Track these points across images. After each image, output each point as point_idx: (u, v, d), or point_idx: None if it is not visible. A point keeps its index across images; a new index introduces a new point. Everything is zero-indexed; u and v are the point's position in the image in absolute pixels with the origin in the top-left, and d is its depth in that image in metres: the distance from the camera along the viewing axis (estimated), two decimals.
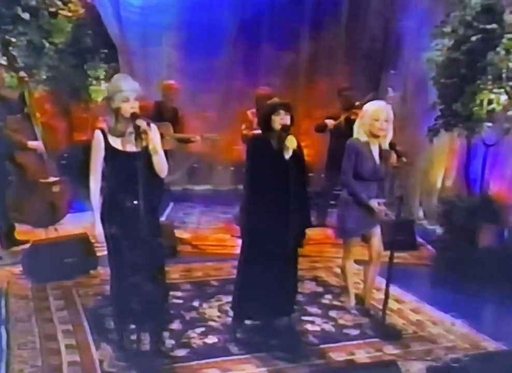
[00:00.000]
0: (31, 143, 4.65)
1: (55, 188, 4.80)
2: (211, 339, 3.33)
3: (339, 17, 7.04)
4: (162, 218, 5.67)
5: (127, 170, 2.79)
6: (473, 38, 4.56)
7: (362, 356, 3.17)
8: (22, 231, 4.89)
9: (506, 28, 4.44)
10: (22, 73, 4.74)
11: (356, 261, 3.89)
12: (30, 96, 4.80)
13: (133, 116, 2.84)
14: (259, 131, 3.42)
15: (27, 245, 4.40)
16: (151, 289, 2.90)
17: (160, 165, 2.96)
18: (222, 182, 7.23)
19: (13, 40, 5.43)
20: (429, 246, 5.33)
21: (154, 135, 2.93)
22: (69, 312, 3.64)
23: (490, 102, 4.49)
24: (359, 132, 3.56)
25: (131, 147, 2.87)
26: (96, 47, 6.54)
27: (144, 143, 2.83)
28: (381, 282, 3.65)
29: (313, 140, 6.65)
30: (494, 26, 4.47)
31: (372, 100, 3.86)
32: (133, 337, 2.95)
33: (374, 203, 3.51)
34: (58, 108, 6.60)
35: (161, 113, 5.35)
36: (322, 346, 3.28)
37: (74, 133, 6.90)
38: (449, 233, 4.89)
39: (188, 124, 6.57)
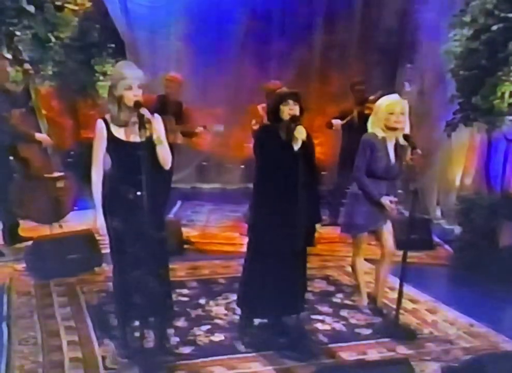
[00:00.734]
0: (39, 135, 4.70)
1: (60, 184, 4.84)
2: (218, 337, 3.33)
3: (353, 9, 7.01)
4: (170, 216, 5.71)
5: (130, 160, 2.78)
6: (494, 27, 4.50)
7: (374, 355, 3.15)
8: (26, 228, 4.95)
9: None
10: (27, 65, 4.80)
11: (368, 260, 3.86)
12: (36, 92, 4.86)
13: (137, 105, 2.83)
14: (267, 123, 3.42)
15: (30, 242, 4.45)
16: (153, 284, 2.91)
17: (165, 155, 2.95)
18: (232, 181, 7.22)
19: (18, 33, 5.48)
20: (446, 246, 5.28)
21: (158, 125, 2.94)
22: (72, 308, 3.68)
23: None
24: (374, 129, 3.54)
25: (134, 138, 2.87)
26: (103, 42, 6.53)
27: (148, 133, 2.81)
28: (395, 281, 3.62)
29: (327, 137, 6.62)
30: None
31: (387, 94, 3.83)
32: (137, 334, 2.95)
33: (386, 200, 3.49)
34: (65, 105, 6.62)
35: (165, 107, 5.29)
36: (331, 345, 3.27)
37: (81, 131, 6.95)
38: (467, 233, 4.83)
39: (197, 120, 6.62)
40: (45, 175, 4.79)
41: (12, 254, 4.60)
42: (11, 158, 4.79)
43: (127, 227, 2.92)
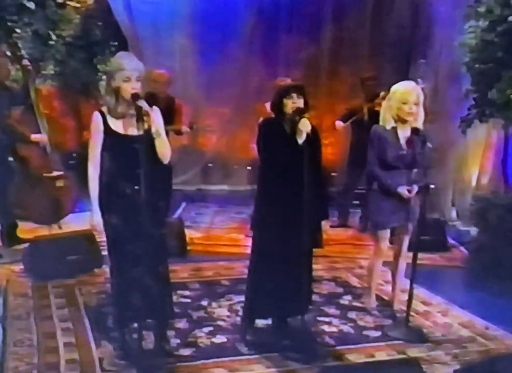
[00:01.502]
0: (34, 136, 4.73)
1: (59, 183, 4.87)
2: (219, 339, 3.32)
3: (363, 3, 6.97)
4: (174, 217, 5.71)
5: (128, 154, 2.78)
6: (510, 18, 4.47)
7: (382, 358, 3.11)
8: (24, 229, 4.97)
9: None
10: (25, 62, 4.85)
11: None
12: (37, 92, 4.89)
13: (134, 97, 2.83)
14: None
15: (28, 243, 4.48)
16: (152, 283, 2.91)
17: (163, 149, 2.95)
18: (238, 182, 7.19)
19: (18, 30, 5.53)
20: (461, 248, 5.23)
21: (156, 117, 2.95)
22: (70, 310, 3.68)
23: None
24: (385, 116, 3.52)
25: (132, 131, 2.87)
26: (106, 40, 6.53)
27: (146, 126, 2.82)
28: (406, 283, 3.59)
29: (337, 138, 6.60)
30: None
31: None
32: (135, 335, 2.94)
33: (402, 189, 3.46)
34: (67, 105, 6.66)
35: (154, 104, 5.25)
36: (338, 347, 3.24)
37: (83, 132, 6.98)
38: (484, 233, 4.76)
39: (203, 121, 6.63)
40: (45, 174, 4.82)
41: (9, 256, 4.62)
42: (10, 158, 4.84)
43: (125, 223, 2.91)
